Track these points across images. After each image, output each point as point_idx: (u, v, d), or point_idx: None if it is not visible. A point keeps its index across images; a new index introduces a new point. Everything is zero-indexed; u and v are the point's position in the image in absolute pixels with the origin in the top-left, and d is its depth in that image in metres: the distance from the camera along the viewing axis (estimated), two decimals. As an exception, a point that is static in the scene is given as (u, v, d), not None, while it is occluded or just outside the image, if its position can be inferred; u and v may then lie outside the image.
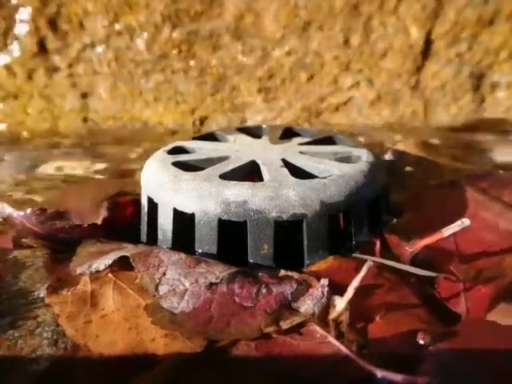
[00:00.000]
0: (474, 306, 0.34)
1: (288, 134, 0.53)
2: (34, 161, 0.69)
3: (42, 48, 0.76)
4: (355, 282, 0.31)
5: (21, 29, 0.75)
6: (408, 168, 0.61)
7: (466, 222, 0.37)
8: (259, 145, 0.49)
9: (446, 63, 0.76)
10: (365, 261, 0.33)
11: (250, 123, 0.80)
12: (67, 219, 0.46)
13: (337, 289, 0.33)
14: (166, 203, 0.40)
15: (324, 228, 0.38)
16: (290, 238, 0.39)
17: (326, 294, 0.32)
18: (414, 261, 0.39)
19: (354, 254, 0.40)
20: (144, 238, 0.44)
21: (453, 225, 0.38)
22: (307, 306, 0.32)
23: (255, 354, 0.30)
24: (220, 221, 0.38)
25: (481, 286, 0.35)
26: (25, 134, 0.79)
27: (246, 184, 0.38)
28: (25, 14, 0.74)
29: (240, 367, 0.29)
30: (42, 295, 0.36)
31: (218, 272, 0.35)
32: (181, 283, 0.35)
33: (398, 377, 0.27)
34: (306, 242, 0.38)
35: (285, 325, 0.31)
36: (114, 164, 0.68)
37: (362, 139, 0.73)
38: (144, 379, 0.28)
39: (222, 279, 0.34)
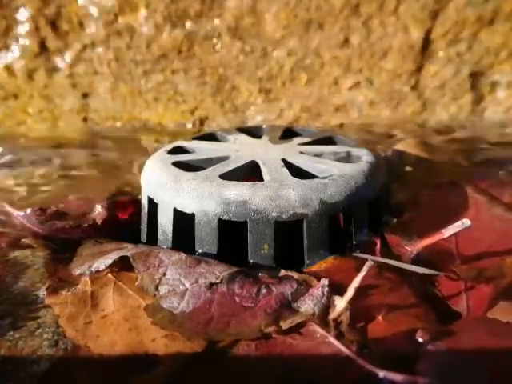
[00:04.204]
0: (475, 306, 0.34)
1: (288, 134, 0.53)
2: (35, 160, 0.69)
3: (43, 48, 0.76)
4: (355, 282, 0.31)
5: (21, 29, 0.75)
6: (408, 168, 0.61)
7: (466, 222, 0.37)
8: (259, 145, 0.49)
9: (445, 63, 0.76)
10: (365, 261, 0.33)
11: (250, 123, 0.80)
12: (67, 219, 0.46)
13: (337, 289, 0.33)
14: (167, 203, 0.40)
15: (324, 228, 0.38)
16: (290, 238, 0.39)
17: (326, 293, 0.32)
18: (415, 261, 0.39)
19: (355, 254, 0.40)
20: (144, 237, 0.44)
21: (453, 225, 0.37)
22: (307, 306, 0.32)
23: (255, 354, 0.30)
24: (220, 221, 0.38)
25: (481, 286, 0.35)
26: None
27: (246, 184, 0.38)
28: (25, 14, 0.74)
29: (240, 367, 0.29)
30: (42, 296, 0.36)
31: (218, 272, 0.35)
32: (181, 283, 0.35)
33: (398, 376, 0.27)
34: (306, 242, 0.38)
35: (285, 325, 0.31)
36: (114, 164, 0.68)
37: (362, 139, 0.73)
38: (144, 379, 0.28)
39: (222, 279, 0.34)
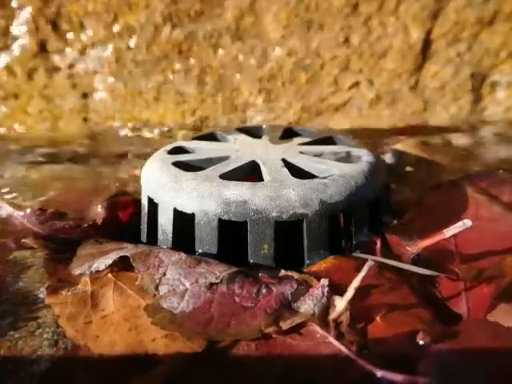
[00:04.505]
0: (475, 306, 0.34)
1: (288, 134, 0.53)
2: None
3: (42, 48, 0.76)
4: (355, 282, 0.31)
5: (21, 29, 0.75)
6: (408, 168, 0.61)
7: (467, 223, 0.37)
8: (259, 145, 0.49)
9: (445, 63, 0.76)
10: (365, 261, 0.33)
11: (250, 123, 0.80)
12: (67, 219, 0.46)
13: (337, 289, 0.33)
14: (167, 203, 0.40)
15: (324, 228, 0.38)
16: (290, 238, 0.39)
17: (326, 294, 0.32)
18: (415, 261, 0.39)
19: (355, 254, 0.40)
20: (144, 237, 0.44)
21: (455, 225, 0.37)
22: (307, 306, 0.32)
23: (255, 354, 0.30)
24: (220, 221, 0.38)
25: (481, 286, 0.35)
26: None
27: (246, 184, 0.38)
28: (25, 13, 0.74)
29: (240, 367, 0.29)
30: (42, 296, 0.36)
31: (218, 272, 0.35)
32: (181, 283, 0.35)
33: (398, 377, 0.27)
34: (306, 242, 0.38)
35: (285, 325, 0.31)
36: (114, 164, 0.68)
37: (361, 139, 0.73)
38: (144, 379, 0.28)
39: (222, 279, 0.34)
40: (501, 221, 0.44)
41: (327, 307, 0.32)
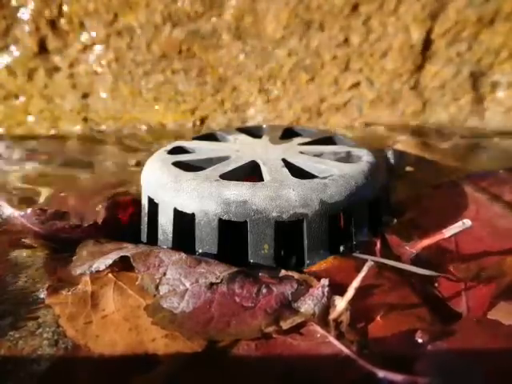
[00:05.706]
0: (475, 306, 0.34)
1: (288, 134, 0.53)
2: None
3: (42, 48, 0.76)
4: (355, 282, 0.31)
5: (21, 29, 0.75)
6: (408, 168, 0.61)
7: (467, 222, 0.37)
8: (259, 145, 0.49)
9: (445, 63, 0.76)
10: (365, 261, 0.33)
11: (250, 123, 0.80)
12: (67, 219, 0.46)
13: (337, 289, 0.33)
14: (167, 203, 0.40)
15: (324, 228, 0.38)
16: (290, 238, 0.39)
17: (326, 293, 0.32)
18: (415, 261, 0.39)
19: (355, 254, 0.40)
20: (144, 237, 0.44)
21: (454, 225, 0.37)
22: (307, 305, 0.32)
23: (255, 354, 0.30)
24: (220, 221, 0.38)
25: (481, 286, 0.35)
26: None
27: (247, 184, 0.38)
28: (25, 14, 0.74)
29: (240, 367, 0.29)
30: (42, 296, 0.36)
31: (219, 272, 0.35)
32: (181, 283, 0.35)
33: (398, 377, 0.27)
34: (306, 242, 0.38)
35: (285, 325, 0.31)
36: (114, 164, 0.68)
37: (361, 139, 0.73)
38: (144, 379, 0.28)
39: (222, 279, 0.34)
40: (501, 220, 0.44)
41: (327, 307, 0.32)
